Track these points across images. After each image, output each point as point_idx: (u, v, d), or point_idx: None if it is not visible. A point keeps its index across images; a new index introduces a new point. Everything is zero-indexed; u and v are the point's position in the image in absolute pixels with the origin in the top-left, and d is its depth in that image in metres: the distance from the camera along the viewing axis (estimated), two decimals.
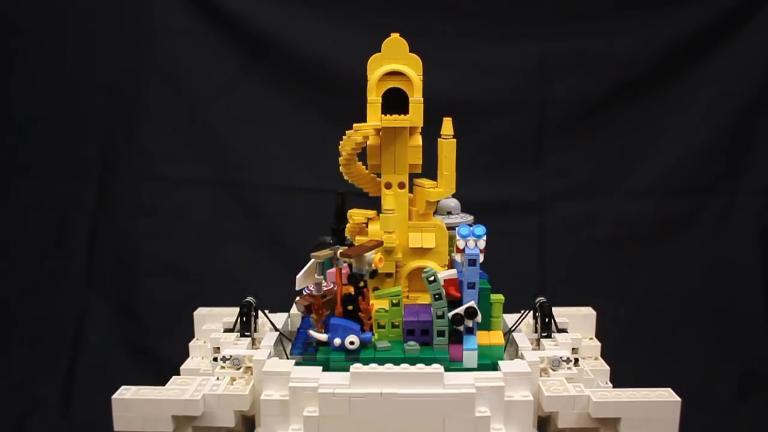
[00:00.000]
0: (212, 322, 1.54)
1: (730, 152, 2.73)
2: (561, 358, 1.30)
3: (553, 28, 2.68)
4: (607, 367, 1.43)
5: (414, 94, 1.29)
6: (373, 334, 1.28)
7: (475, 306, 1.24)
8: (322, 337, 1.27)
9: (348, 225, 1.35)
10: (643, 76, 2.71)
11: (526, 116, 2.73)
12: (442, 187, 1.34)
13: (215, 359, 1.40)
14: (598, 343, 1.49)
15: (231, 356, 1.30)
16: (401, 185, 1.35)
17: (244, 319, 1.44)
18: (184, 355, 1.51)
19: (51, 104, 2.69)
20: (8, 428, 2.62)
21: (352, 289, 1.30)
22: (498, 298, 1.35)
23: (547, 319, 1.42)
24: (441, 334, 1.25)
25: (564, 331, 1.48)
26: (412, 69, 1.30)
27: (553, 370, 1.29)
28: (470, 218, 1.49)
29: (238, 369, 1.29)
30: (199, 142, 2.71)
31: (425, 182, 1.38)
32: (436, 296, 1.24)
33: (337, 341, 1.24)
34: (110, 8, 2.63)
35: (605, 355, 1.48)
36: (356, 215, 1.34)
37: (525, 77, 2.71)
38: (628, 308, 2.71)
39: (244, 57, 2.69)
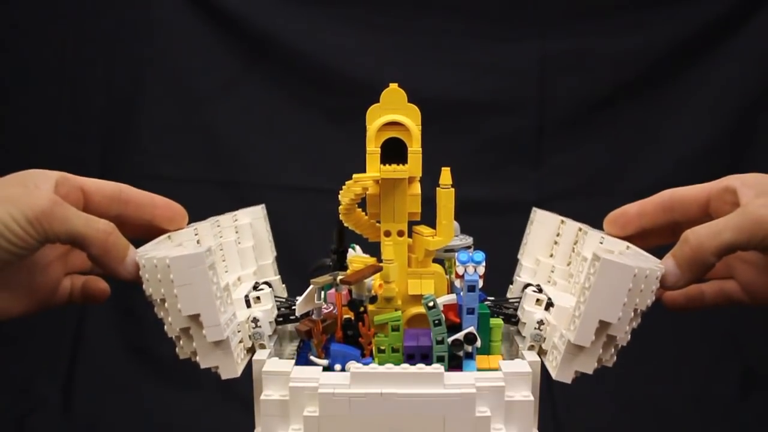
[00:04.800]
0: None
1: (731, 152, 2.73)
2: (535, 328, 1.29)
3: (553, 28, 2.68)
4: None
5: (413, 145, 1.27)
6: (373, 359, 1.28)
7: (475, 332, 1.24)
8: (323, 362, 1.27)
9: (348, 272, 1.34)
10: (643, 76, 2.71)
11: (526, 116, 2.73)
12: (441, 236, 1.33)
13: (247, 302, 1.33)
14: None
15: (258, 324, 1.28)
16: (400, 233, 1.33)
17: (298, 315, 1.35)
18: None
19: (51, 104, 2.69)
20: (8, 428, 2.64)
21: (352, 314, 1.30)
22: (497, 322, 1.34)
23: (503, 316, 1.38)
24: (441, 359, 1.25)
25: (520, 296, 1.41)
26: (411, 119, 1.27)
27: (541, 343, 1.27)
28: (469, 240, 1.48)
29: (251, 338, 1.27)
30: (200, 142, 2.72)
31: (424, 230, 1.36)
32: (436, 322, 1.23)
33: (337, 367, 1.24)
34: (111, 8, 2.63)
35: None
36: (356, 262, 1.33)
37: (525, 77, 2.71)
38: None
39: (244, 57, 2.69)
